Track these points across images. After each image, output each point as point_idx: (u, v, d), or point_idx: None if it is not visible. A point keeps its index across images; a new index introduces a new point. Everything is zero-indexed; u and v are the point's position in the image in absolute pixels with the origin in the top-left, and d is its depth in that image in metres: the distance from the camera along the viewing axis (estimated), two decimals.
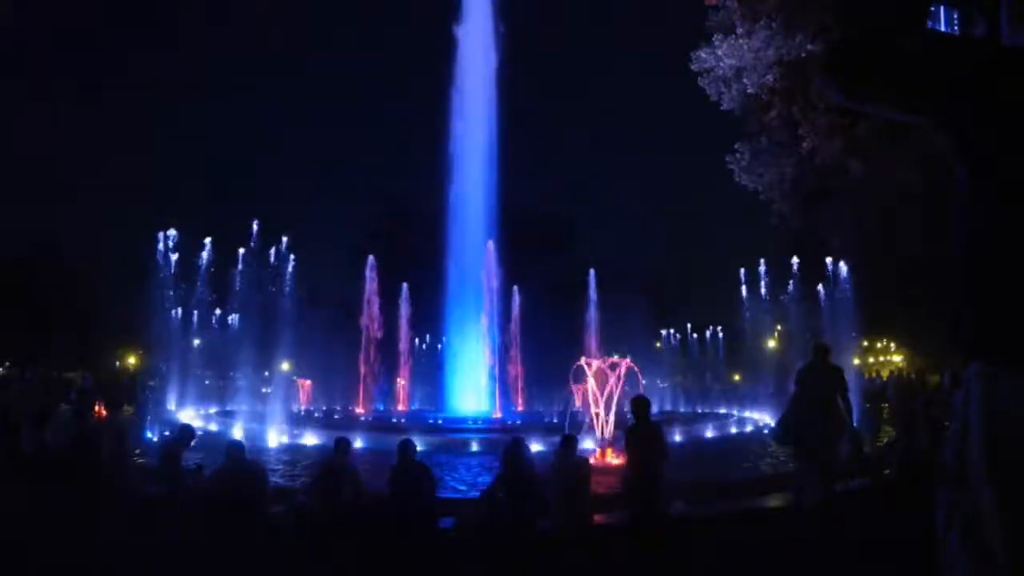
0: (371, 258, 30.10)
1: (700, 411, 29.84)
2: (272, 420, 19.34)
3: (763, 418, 23.89)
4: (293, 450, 16.39)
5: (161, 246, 24.68)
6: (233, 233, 27.63)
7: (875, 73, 1.61)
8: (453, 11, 29.89)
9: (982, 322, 1.60)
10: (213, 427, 20.63)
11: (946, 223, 1.72)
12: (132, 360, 60.31)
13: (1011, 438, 1.50)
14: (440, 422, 22.13)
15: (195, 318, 27.09)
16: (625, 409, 13.85)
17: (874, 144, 10.48)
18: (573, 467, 8.27)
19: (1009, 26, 1.73)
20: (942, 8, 1.74)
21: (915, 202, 12.66)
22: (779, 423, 9.24)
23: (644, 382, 18.79)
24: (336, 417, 25.48)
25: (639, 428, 8.47)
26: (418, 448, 9.01)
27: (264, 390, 25.77)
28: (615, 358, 17.75)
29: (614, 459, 13.98)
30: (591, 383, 15.85)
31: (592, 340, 27.77)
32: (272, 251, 25.74)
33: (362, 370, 28.49)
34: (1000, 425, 1.53)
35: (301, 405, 29.23)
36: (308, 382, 32.82)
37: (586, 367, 16.35)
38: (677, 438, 17.56)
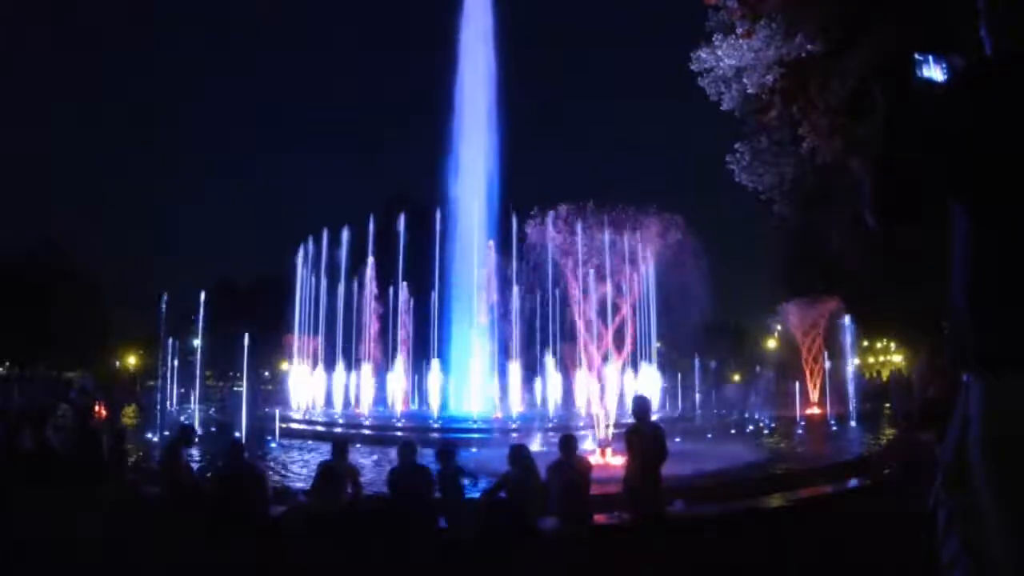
0: (371, 258, 30.04)
1: (702, 413, 29.73)
2: (272, 420, 19.34)
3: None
4: (293, 450, 16.39)
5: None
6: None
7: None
8: (454, 9, 29.90)
9: (985, 325, 1.60)
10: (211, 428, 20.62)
11: (945, 222, 1.73)
12: (132, 360, 60.37)
13: (1011, 438, 1.50)
14: (440, 423, 22.12)
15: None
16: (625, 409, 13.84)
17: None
18: (573, 467, 8.26)
19: (987, 40, 1.77)
20: (931, 56, 1.76)
21: None
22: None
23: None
24: (336, 417, 25.44)
25: (639, 428, 8.47)
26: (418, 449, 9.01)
27: (267, 388, 25.68)
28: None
29: (614, 459, 13.98)
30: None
31: (592, 341, 27.63)
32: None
33: (361, 370, 28.41)
34: (1001, 425, 1.53)
35: (301, 360, 28.65)
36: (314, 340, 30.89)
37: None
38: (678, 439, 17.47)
